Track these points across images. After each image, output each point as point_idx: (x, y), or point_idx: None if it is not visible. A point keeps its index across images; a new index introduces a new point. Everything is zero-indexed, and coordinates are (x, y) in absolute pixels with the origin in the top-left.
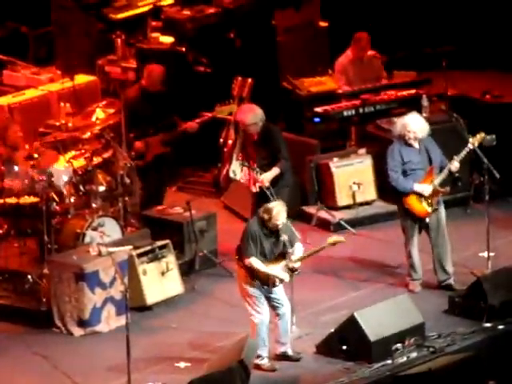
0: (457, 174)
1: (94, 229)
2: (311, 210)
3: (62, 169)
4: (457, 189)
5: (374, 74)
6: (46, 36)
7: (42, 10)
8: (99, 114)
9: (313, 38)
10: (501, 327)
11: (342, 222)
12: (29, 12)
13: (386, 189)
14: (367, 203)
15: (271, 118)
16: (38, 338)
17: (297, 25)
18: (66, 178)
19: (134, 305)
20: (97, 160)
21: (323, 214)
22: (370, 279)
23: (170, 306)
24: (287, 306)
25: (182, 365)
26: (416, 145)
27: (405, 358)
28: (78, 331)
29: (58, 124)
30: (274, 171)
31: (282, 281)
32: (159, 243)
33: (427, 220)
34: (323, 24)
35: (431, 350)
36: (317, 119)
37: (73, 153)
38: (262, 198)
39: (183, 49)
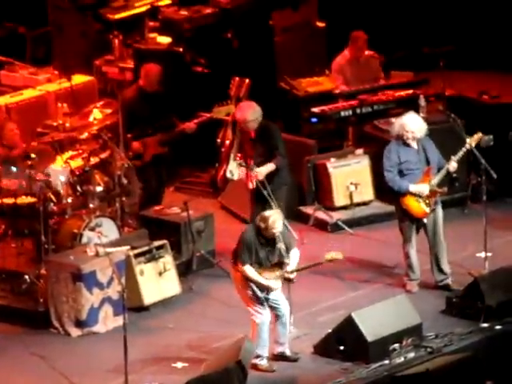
0: (454, 175)
1: (92, 229)
2: (308, 210)
3: (60, 169)
4: (454, 189)
5: (371, 74)
6: (44, 36)
7: (40, 10)
8: (96, 114)
9: (310, 38)
10: (498, 327)
11: (340, 223)
12: (26, 12)
13: (383, 189)
14: (364, 203)
15: (269, 118)
16: (36, 339)
17: (294, 25)
18: (63, 179)
19: (132, 305)
20: (94, 160)
21: (320, 215)
22: (367, 279)
23: (168, 307)
24: (285, 307)
25: (180, 365)
26: (414, 145)
27: (402, 359)
28: (75, 331)
29: (55, 124)
30: (270, 166)
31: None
32: (156, 243)
33: (425, 220)
34: (320, 24)
35: (429, 350)
36: (314, 119)
37: (70, 153)
38: (259, 198)
39: (180, 49)
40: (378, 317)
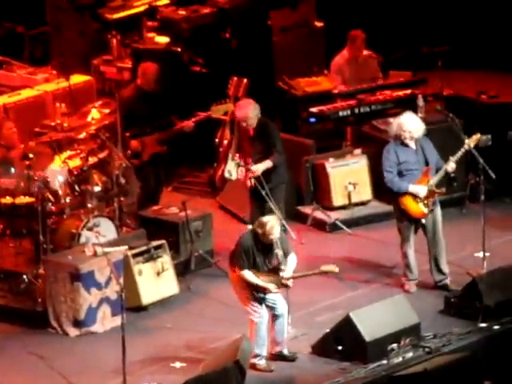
0: (452, 174)
1: (90, 229)
2: (307, 210)
3: (58, 169)
4: (452, 189)
5: (370, 74)
6: (42, 36)
7: (38, 10)
8: (95, 114)
9: (308, 37)
10: (496, 327)
11: (338, 222)
12: (24, 12)
13: (381, 189)
14: (363, 203)
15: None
16: (34, 338)
17: (292, 25)
18: (61, 178)
19: (130, 305)
20: (92, 160)
21: (319, 214)
22: (365, 279)
23: (166, 306)
24: (283, 306)
25: (178, 365)
26: (412, 145)
27: (400, 359)
28: (73, 331)
29: (53, 124)
30: (267, 163)
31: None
32: (155, 243)
33: (423, 221)
34: (319, 24)
35: (427, 350)
36: (312, 119)
37: (68, 153)
38: (258, 197)
39: (179, 49)
40: (376, 317)
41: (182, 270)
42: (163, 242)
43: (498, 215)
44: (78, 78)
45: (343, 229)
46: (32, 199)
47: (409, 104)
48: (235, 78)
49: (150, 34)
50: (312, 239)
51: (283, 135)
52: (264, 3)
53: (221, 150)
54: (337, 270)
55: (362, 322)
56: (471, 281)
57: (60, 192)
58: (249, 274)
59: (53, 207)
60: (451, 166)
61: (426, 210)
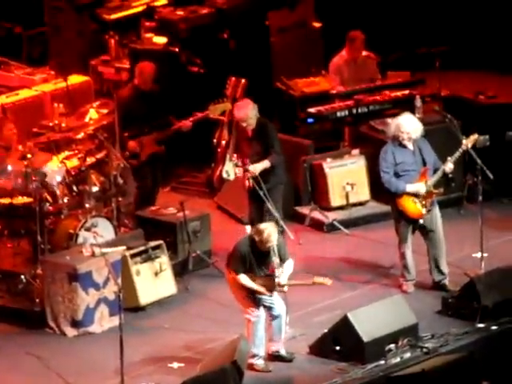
0: (450, 175)
1: (88, 229)
2: (304, 210)
3: (56, 169)
4: (450, 189)
5: (368, 74)
6: (40, 36)
7: (36, 10)
8: (92, 114)
9: (306, 38)
10: (494, 328)
11: (336, 223)
12: (23, 12)
13: (379, 189)
14: (360, 204)
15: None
16: (31, 339)
17: (290, 25)
18: (59, 179)
19: (128, 305)
20: (90, 160)
21: (316, 215)
22: (363, 280)
23: (164, 307)
24: (281, 307)
25: (176, 365)
26: (410, 146)
27: (398, 359)
28: (71, 332)
29: (51, 124)
30: (265, 163)
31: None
32: (152, 244)
33: (421, 221)
34: (317, 24)
35: (424, 350)
36: (310, 120)
37: (66, 153)
38: (256, 197)
39: (176, 49)
40: (374, 317)
41: (180, 271)
42: (161, 242)
43: (496, 216)
44: (76, 79)
45: (341, 229)
46: (30, 199)
47: (407, 104)
48: (233, 79)
49: (148, 35)
50: (310, 239)
51: (281, 135)
52: (262, 4)
53: (219, 150)
54: (329, 282)
55: (360, 323)
56: (469, 281)
57: (58, 192)
58: (244, 279)
59: (51, 207)
60: (449, 166)
61: (423, 211)
